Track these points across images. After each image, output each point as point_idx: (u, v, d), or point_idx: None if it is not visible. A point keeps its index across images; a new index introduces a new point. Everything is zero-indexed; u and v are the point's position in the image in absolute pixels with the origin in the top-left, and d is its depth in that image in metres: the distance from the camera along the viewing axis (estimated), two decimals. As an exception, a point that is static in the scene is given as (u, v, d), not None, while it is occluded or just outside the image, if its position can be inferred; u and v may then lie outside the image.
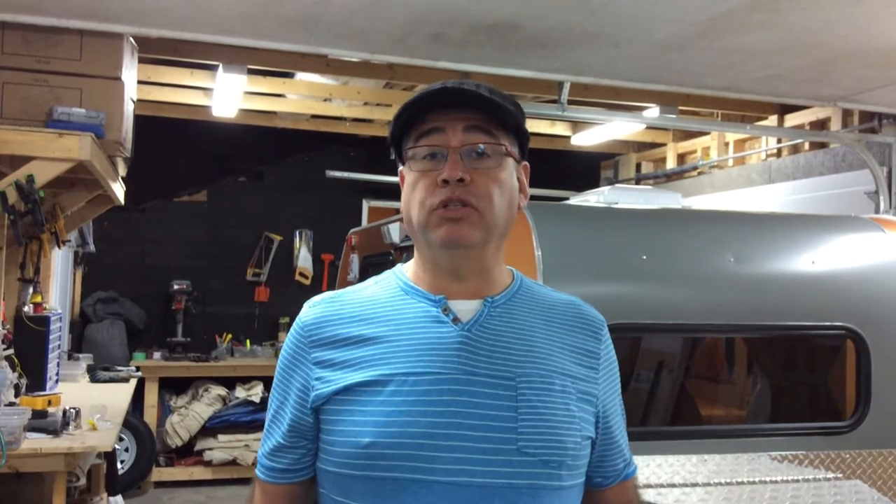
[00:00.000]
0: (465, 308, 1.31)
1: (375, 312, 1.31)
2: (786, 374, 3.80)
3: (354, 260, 4.71)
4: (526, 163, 1.38)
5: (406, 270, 1.37)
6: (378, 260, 4.15)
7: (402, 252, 3.68)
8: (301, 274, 7.65)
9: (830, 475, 2.93)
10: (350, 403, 1.24)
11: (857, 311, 3.12)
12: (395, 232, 3.69)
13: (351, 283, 5.23)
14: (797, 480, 2.91)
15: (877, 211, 4.66)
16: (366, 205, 7.75)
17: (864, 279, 3.17)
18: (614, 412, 1.43)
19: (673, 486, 2.82)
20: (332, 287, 6.12)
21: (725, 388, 4.24)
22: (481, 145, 1.27)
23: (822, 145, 5.57)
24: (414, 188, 1.28)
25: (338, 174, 7.00)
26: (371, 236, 4.38)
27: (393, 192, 7.29)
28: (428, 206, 1.26)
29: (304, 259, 7.62)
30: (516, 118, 1.32)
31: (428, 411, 1.22)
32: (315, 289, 7.61)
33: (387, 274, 1.40)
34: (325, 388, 1.27)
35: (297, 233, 7.67)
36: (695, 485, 2.83)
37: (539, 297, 1.39)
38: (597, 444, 1.38)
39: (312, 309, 1.35)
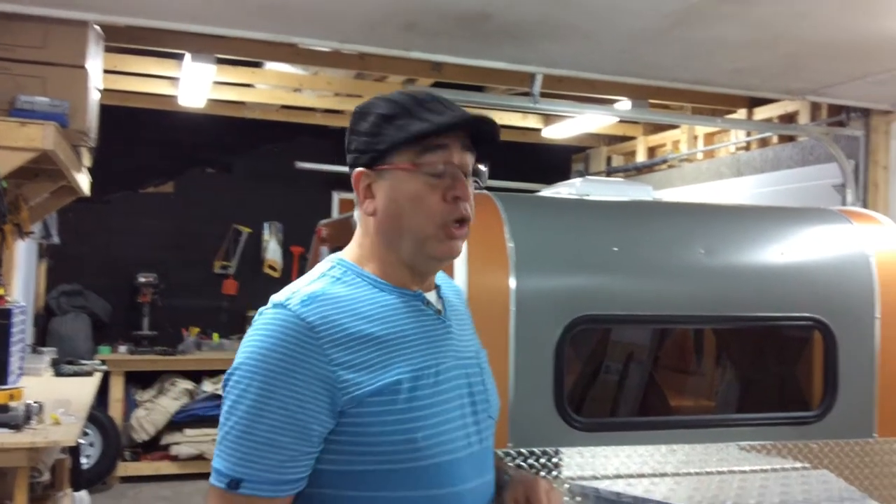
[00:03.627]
0: (432, 300, 1.43)
1: (371, 310, 1.33)
2: (754, 365, 3.83)
3: (324, 252, 4.66)
4: None
5: (363, 266, 1.38)
6: (348, 252, 4.11)
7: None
8: (270, 266, 7.58)
9: (798, 465, 2.96)
10: (388, 403, 1.27)
11: (825, 302, 3.15)
12: (365, 223, 3.65)
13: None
14: (765, 470, 2.93)
15: (844, 204, 4.72)
16: (336, 197, 7.69)
17: (832, 271, 3.20)
18: None
19: (642, 476, 2.83)
20: (301, 279, 6.06)
21: (695, 378, 4.27)
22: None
23: (791, 139, 5.62)
24: (421, 198, 1.32)
25: (308, 165, 6.93)
26: (341, 228, 4.33)
27: (363, 184, 7.29)
28: (440, 221, 1.33)
29: (273, 251, 7.56)
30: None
31: (447, 398, 1.35)
32: (285, 281, 7.39)
33: (338, 271, 1.38)
34: (357, 390, 1.26)
35: (266, 225, 7.60)
36: (664, 475, 2.85)
37: (441, 280, 1.51)
38: None
39: (310, 308, 1.28)
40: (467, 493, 1.35)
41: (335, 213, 7.43)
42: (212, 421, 6.70)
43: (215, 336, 7.37)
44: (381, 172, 1.36)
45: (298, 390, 1.23)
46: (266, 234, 7.61)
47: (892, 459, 3.18)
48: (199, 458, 6.64)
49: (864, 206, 4.72)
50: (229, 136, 7.39)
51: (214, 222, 7.49)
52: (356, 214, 1.45)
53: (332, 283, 1.35)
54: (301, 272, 6.71)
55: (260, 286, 7.50)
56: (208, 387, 6.89)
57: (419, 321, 1.36)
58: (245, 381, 1.25)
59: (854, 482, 3.00)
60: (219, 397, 6.76)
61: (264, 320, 1.29)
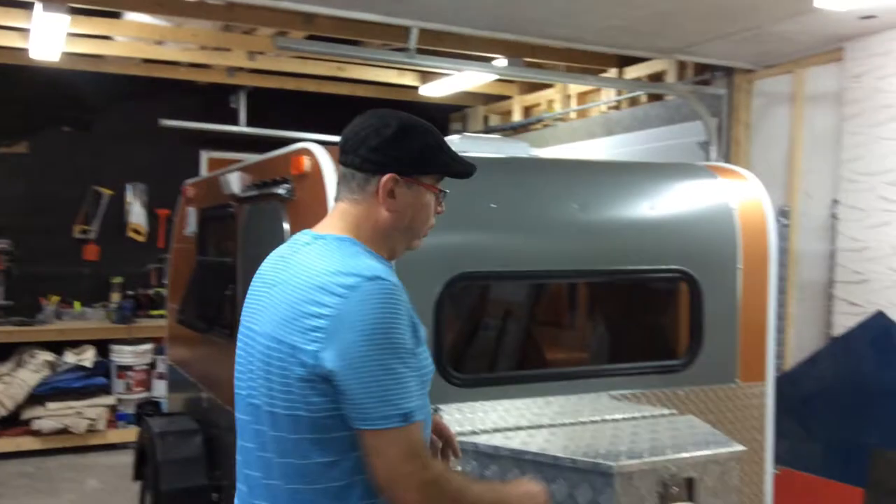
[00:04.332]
0: None
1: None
2: (625, 317, 3.94)
3: (191, 213, 4.47)
4: None
5: (368, 246, 1.72)
6: (217, 213, 3.94)
7: (243, 203, 3.50)
8: (134, 230, 7.28)
9: (666, 412, 3.07)
10: (423, 342, 1.70)
11: (691, 254, 3.26)
12: (234, 182, 3.49)
13: (188, 238, 4.97)
14: (636, 418, 3.02)
15: (707, 161, 4.89)
16: (204, 156, 7.41)
17: (698, 223, 3.31)
18: None
19: (520, 428, 2.86)
20: (168, 244, 5.81)
21: (569, 332, 4.36)
22: None
23: (658, 98, 5.79)
24: (428, 210, 1.78)
25: (173, 123, 6.60)
26: (209, 188, 4.15)
27: (233, 142, 7.03)
28: (429, 226, 1.81)
29: (137, 214, 7.26)
30: None
31: None
32: (151, 246, 7.24)
33: (363, 249, 1.70)
34: (423, 332, 1.70)
35: (129, 186, 7.28)
36: (540, 426, 2.89)
37: None
38: None
39: (394, 277, 1.66)
40: None
41: (203, 173, 7.13)
42: (76, 393, 6.42)
43: (77, 304, 7.03)
44: (410, 184, 1.73)
45: (411, 337, 1.62)
46: (129, 196, 7.28)
47: (753, 403, 3.35)
48: (64, 432, 6.34)
49: (727, 162, 4.91)
50: (87, 92, 7.00)
51: (73, 184, 7.11)
52: (349, 198, 1.74)
53: (372, 257, 1.70)
54: (168, 235, 6.45)
55: (124, 251, 7.19)
56: (71, 358, 6.56)
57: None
58: (388, 341, 1.57)
59: (718, 426, 3.13)
60: (82, 368, 6.47)
61: (375, 291, 1.58)
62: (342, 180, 1.76)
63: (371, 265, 1.63)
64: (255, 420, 1.68)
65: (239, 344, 1.77)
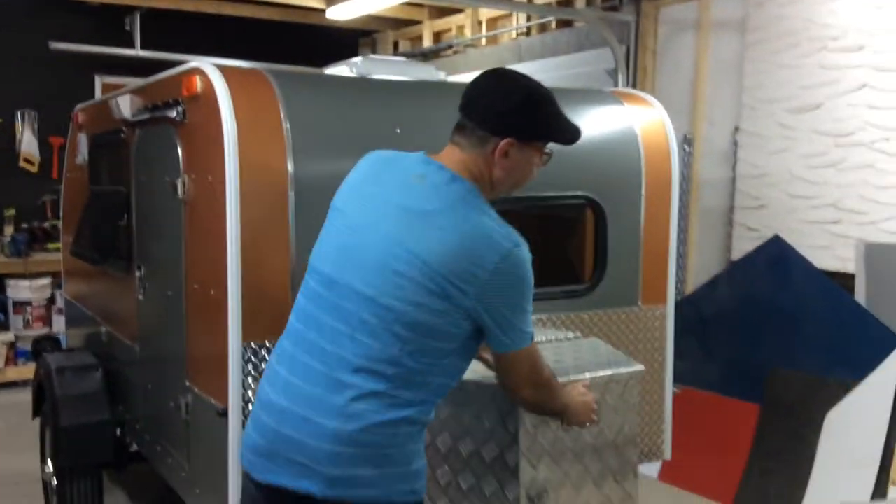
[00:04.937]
0: None
1: None
2: (532, 243, 3.95)
3: (83, 140, 4.24)
4: None
5: (482, 195, 1.93)
6: (109, 139, 3.75)
7: (135, 128, 3.33)
8: (26, 160, 6.92)
9: (571, 335, 3.11)
10: None
11: (596, 180, 3.28)
12: (125, 105, 3.31)
13: (80, 167, 4.75)
14: (541, 342, 3.06)
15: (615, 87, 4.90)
16: (99, 81, 7.02)
17: (603, 150, 3.32)
18: None
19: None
20: (61, 174, 5.53)
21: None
22: None
23: (568, 25, 5.75)
24: (534, 169, 2.02)
25: (64, 46, 6.22)
26: (100, 113, 3.94)
27: (130, 66, 6.67)
28: (529, 181, 2.05)
29: (28, 143, 6.90)
30: None
31: None
32: (44, 177, 6.89)
33: (488, 206, 1.92)
34: None
35: (19, 114, 6.89)
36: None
37: None
38: None
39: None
40: None
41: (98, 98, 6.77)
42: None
43: (-33, 239, 6.67)
44: (524, 147, 1.94)
45: None
46: (19, 125, 6.90)
47: (654, 325, 3.44)
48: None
49: (634, 89, 4.93)
50: (-32, 12, 6.52)
51: (-43, 112, 6.66)
52: (469, 150, 1.92)
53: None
54: (61, 165, 6.14)
55: (16, 182, 6.86)
56: (-35, 295, 6.26)
57: None
58: (527, 295, 1.92)
59: (621, 347, 3.21)
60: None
61: (521, 259, 1.89)
62: (461, 130, 1.93)
63: (510, 229, 1.91)
64: (360, 308, 1.84)
65: (343, 230, 1.92)
